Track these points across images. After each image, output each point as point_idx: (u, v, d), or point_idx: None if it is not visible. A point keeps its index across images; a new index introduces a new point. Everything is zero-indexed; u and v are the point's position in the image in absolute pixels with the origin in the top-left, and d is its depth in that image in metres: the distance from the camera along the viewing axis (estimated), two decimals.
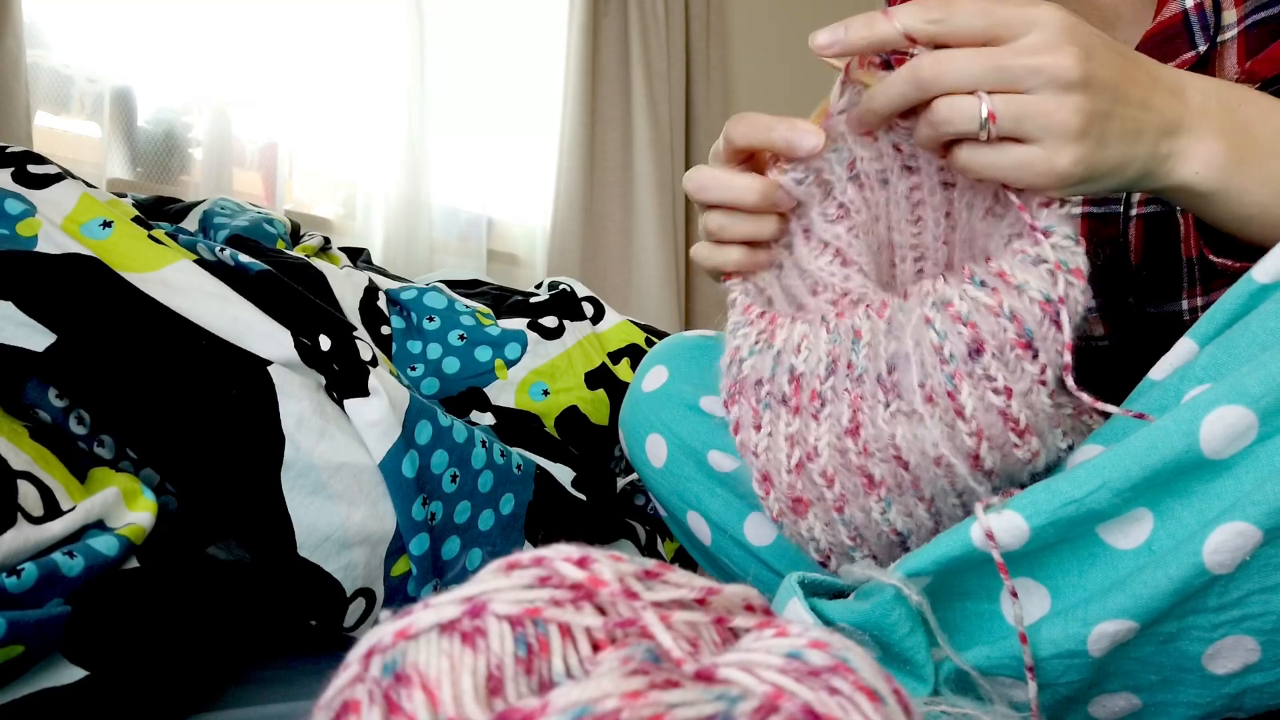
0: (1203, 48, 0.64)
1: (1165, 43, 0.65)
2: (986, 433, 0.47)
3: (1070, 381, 0.46)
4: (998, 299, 0.46)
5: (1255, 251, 0.48)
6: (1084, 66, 0.45)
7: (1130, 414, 0.46)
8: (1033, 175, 0.47)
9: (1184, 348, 0.48)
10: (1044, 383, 0.46)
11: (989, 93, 0.46)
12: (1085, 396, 0.45)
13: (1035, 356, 0.46)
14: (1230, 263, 0.56)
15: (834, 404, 0.51)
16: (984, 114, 0.46)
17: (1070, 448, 0.49)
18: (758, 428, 0.54)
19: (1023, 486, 0.48)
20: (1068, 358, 0.45)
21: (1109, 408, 0.46)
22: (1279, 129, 0.50)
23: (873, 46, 0.49)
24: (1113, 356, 0.74)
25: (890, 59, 0.51)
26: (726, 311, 0.58)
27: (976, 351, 0.46)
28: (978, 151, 0.47)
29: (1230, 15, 0.64)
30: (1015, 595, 0.45)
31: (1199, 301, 0.67)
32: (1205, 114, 0.50)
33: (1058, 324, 0.45)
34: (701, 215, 0.58)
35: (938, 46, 0.47)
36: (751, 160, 0.56)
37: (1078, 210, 0.70)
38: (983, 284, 0.47)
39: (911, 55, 0.48)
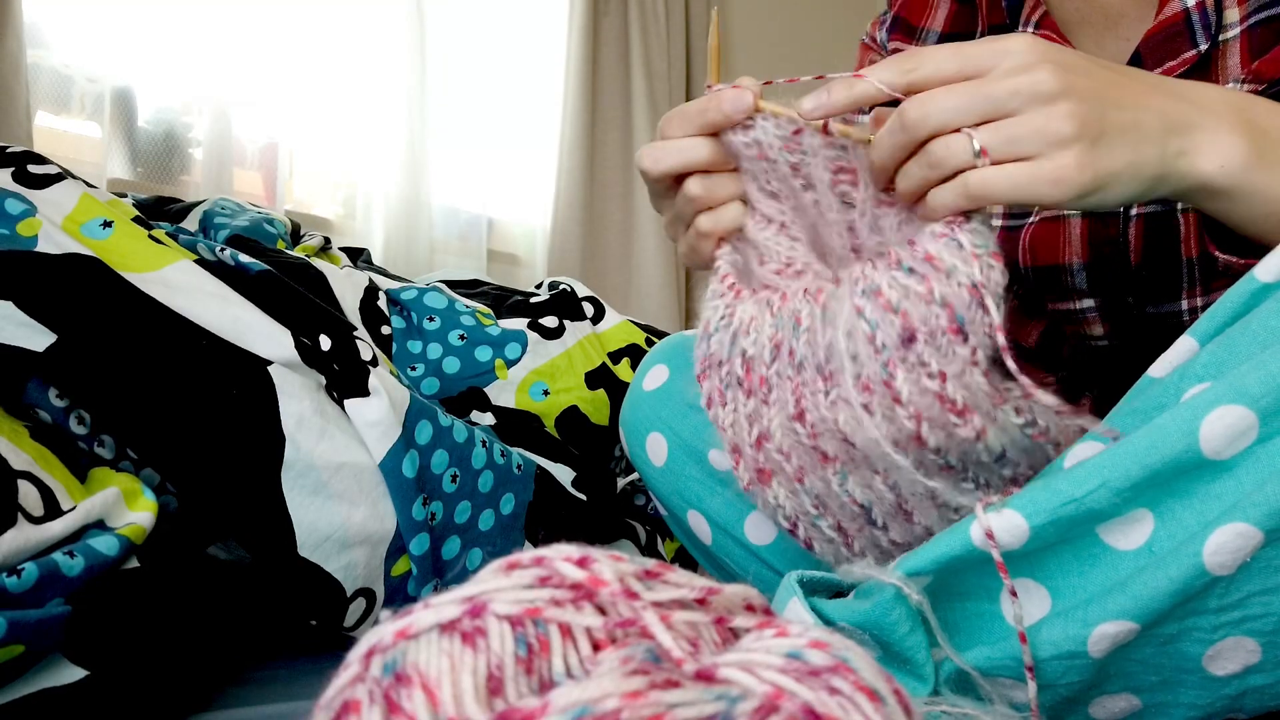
0: (1204, 46, 0.64)
1: (1166, 41, 0.65)
2: (925, 415, 0.47)
3: (1011, 364, 0.46)
4: (928, 286, 0.46)
5: (1262, 250, 0.48)
6: (1062, 78, 0.46)
7: (1099, 427, 0.47)
8: (1046, 187, 0.47)
9: (1184, 345, 0.48)
10: (976, 363, 0.47)
11: (977, 125, 0.46)
12: (1025, 380, 0.46)
13: (966, 340, 0.46)
14: (1236, 260, 0.56)
15: (779, 389, 0.52)
16: (976, 147, 0.46)
17: (1031, 424, 0.49)
18: (724, 404, 0.56)
19: (978, 465, 0.49)
20: (1001, 340, 0.46)
21: (1047, 398, 0.47)
22: None
23: (855, 105, 0.50)
24: (1113, 356, 0.74)
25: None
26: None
27: (909, 340, 0.46)
28: (989, 175, 0.47)
29: (1233, 14, 0.64)
30: (1015, 595, 0.45)
31: (1199, 302, 0.67)
32: (1215, 112, 0.49)
33: (984, 307, 0.46)
34: (666, 206, 0.58)
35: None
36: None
37: (1077, 210, 0.70)
38: (911, 270, 0.47)
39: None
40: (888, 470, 0.50)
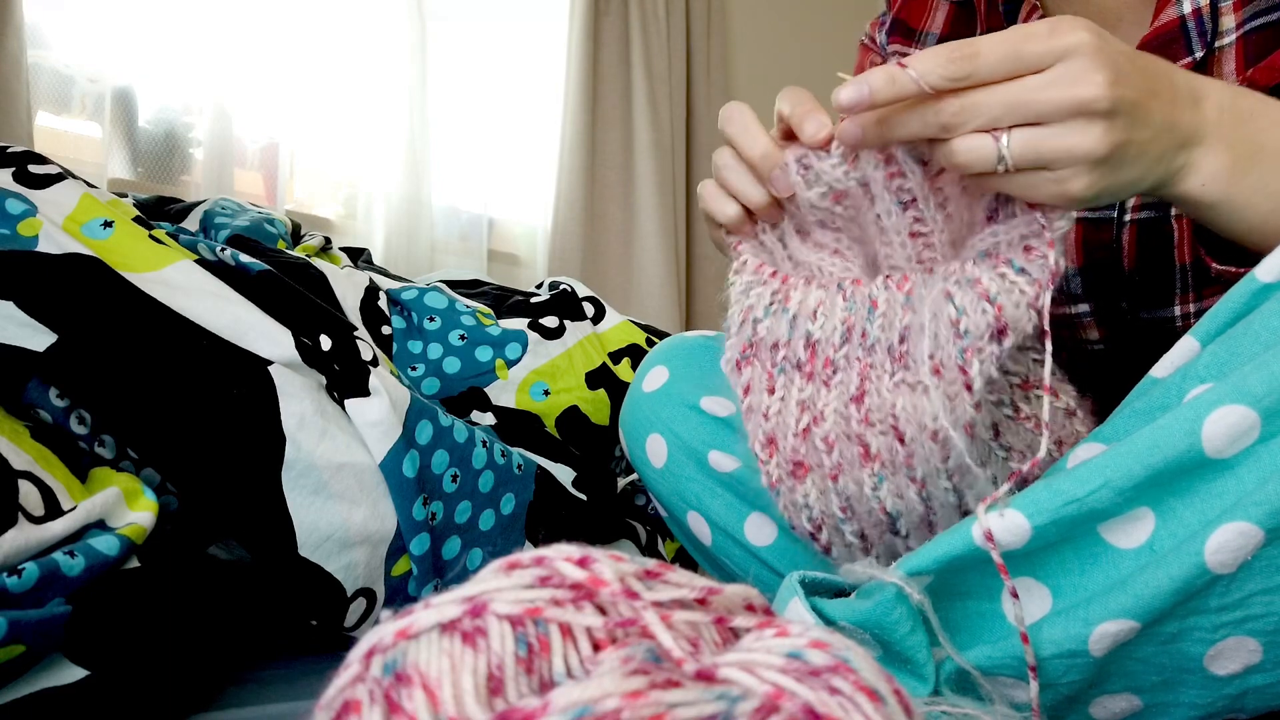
0: (1199, 54, 0.64)
1: (1162, 48, 0.65)
2: (985, 407, 0.47)
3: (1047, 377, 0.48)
4: (1036, 289, 0.47)
5: (1257, 259, 0.48)
6: (1113, 93, 0.45)
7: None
8: (1041, 197, 0.47)
9: (1186, 346, 0.48)
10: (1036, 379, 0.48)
11: (1011, 126, 0.46)
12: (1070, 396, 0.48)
13: (1039, 353, 0.47)
14: (1232, 269, 0.56)
15: (845, 371, 0.52)
16: (1004, 155, 0.46)
17: (1013, 414, 0.51)
18: (771, 390, 0.54)
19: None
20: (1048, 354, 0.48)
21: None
22: None
23: (896, 100, 0.48)
24: (1108, 360, 0.74)
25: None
26: (730, 274, 0.58)
27: (999, 333, 0.47)
28: (992, 179, 0.48)
29: (1229, 20, 0.64)
30: (1016, 595, 0.45)
31: (1191, 308, 0.67)
32: (1219, 125, 0.50)
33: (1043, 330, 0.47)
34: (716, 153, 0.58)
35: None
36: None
37: (1072, 215, 0.71)
38: (1023, 271, 0.47)
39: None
40: (925, 477, 0.50)
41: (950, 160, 0.48)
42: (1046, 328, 0.47)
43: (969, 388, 0.47)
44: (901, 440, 0.49)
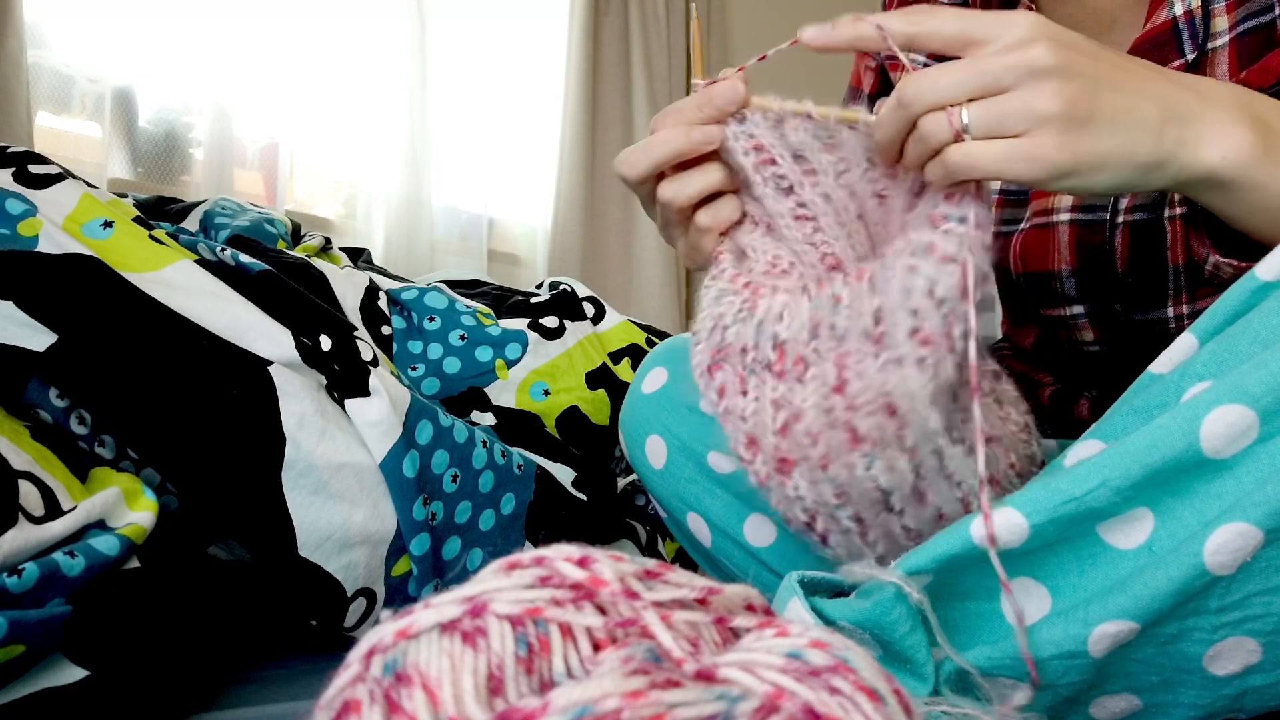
0: (1191, 56, 0.64)
1: (1153, 50, 0.65)
2: (970, 366, 0.48)
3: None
4: (980, 226, 0.47)
5: (1257, 254, 0.48)
6: (1058, 54, 0.46)
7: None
8: (1021, 164, 0.47)
9: (1185, 343, 0.48)
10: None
11: (971, 99, 0.47)
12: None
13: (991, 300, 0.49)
14: (1229, 263, 0.56)
15: (818, 365, 0.52)
16: (963, 120, 0.47)
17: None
18: (744, 393, 0.55)
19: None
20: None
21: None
22: None
23: (855, 44, 0.51)
24: (1103, 361, 0.74)
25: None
26: (707, 278, 0.58)
27: (976, 286, 0.47)
28: (963, 149, 0.47)
29: (1221, 22, 0.64)
30: (1008, 587, 0.45)
31: (1185, 309, 0.67)
32: (1219, 104, 0.49)
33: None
34: (655, 211, 0.58)
35: (922, 54, 0.50)
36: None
37: (1066, 217, 0.71)
38: (962, 219, 0.48)
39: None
40: (916, 444, 0.50)
41: (919, 134, 0.49)
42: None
43: (952, 349, 0.47)
44: (893, 413, 0.49)
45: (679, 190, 0.56)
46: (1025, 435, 0.58)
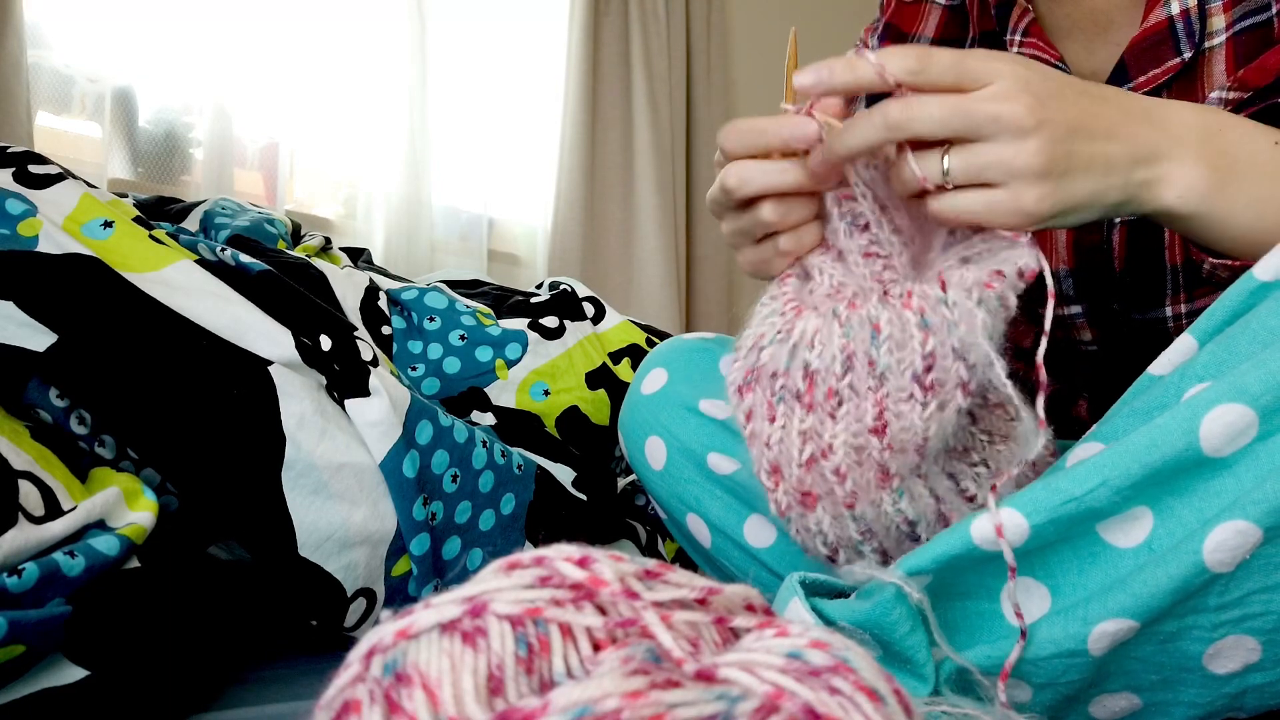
0: (1187, 54, 0.64)
1: (1150, 50, 0.65)
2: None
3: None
4: (1025, 272, 0.49)
5: (1250, 256, 0.48)
6: (1037, 113, 0.47)
7: None
8: (1003, 215, 0.48)
9: (1184, 344, 0.49)
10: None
11: (952, 139, 0.48)
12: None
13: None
14: (1223, 264, 0.56)
15: (853, 402, 0.50)
16: (945, 166, 0.48)
17: (983, 403, 0.53)
18: (772, 419, 0.53)
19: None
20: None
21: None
22: (1258, 153, 0.51)
23: (854, 87, 0.50)
24: (1102, 361, 0.74)
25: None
26: (765, 295, 0.57)
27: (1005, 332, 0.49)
28: (947, 197, 0.49)
29: (1218, 21, 0.64)
30: (1013, 570, 0.45)
31: (1183, 309, 0.67)
32: (1184, 141, 0.51)
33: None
34: (731, 217, 0.58)
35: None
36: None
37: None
38: (1020, 273, 0.49)
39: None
40: (927, 471, 0.50)
41: (902, 175, 0.50)
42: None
43: (965, 387, 0.48)
44: (922, 453, 0.49)
45: (784, 216, 0.55)
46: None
